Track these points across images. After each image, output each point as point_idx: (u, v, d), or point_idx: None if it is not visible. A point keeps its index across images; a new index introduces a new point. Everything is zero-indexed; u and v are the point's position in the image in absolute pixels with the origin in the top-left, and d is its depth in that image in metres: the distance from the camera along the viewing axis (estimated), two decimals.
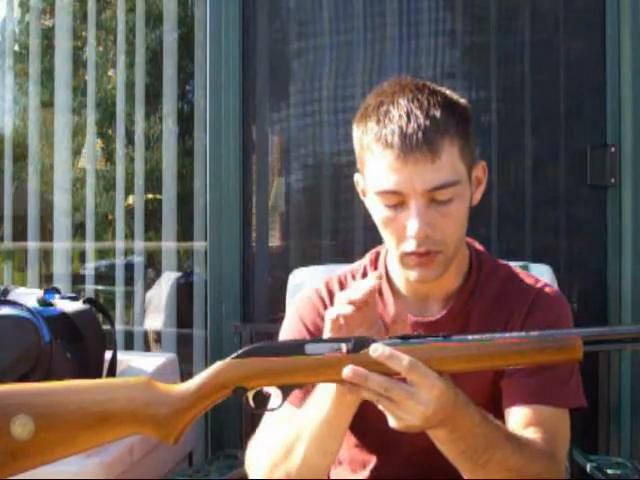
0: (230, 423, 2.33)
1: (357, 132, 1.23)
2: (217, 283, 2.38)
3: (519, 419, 1.17)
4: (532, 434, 1.15)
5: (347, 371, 0.97)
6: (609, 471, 1.77)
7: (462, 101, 1.23)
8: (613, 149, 2.28)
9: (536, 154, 2.35)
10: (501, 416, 1.19)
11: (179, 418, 0.99)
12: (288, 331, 1.33)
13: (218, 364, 1.01)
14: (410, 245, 1.17)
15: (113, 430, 0.99)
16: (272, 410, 1.07)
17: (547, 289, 1.31)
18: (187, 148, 3.04)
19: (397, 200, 1.16)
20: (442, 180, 1.14)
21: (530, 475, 1.08)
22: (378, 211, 1.21)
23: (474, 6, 2.39)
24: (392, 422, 1.00)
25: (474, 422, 1.03)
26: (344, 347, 1.00)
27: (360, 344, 1.00)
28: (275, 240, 2.52)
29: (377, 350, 0.98)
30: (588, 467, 1.80)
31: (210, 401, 1.01)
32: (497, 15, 2.38)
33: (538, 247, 2.32)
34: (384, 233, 1.22)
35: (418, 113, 1.15)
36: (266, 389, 1.07)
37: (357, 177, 1.29)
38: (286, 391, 1.03)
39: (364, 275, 1.33)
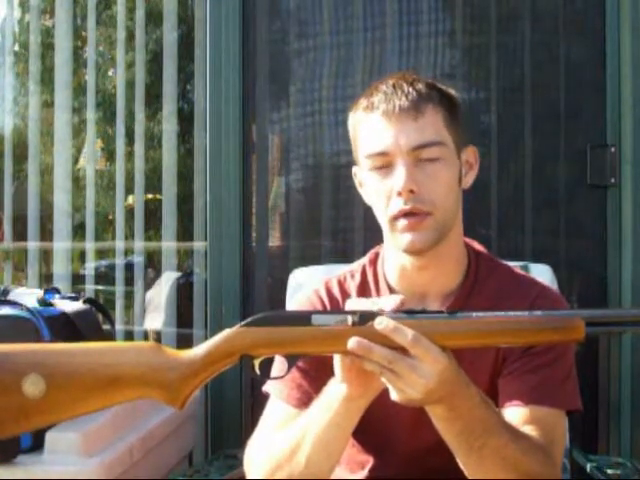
0: (230, 423, 2.33)
1: (350, 116, 1.29)
2: (217, 283, 2.38)
3: (515, 418, 1.17)
4: (528, 432, 1.15)
5: (352, 342, 0.99)
6: (609, 471, 1.77)
7: (450, 90, 1.28)
8: (613, 149, 2.27)
9: (536, 154, 2.35)
10: None
11: (186, 383, 1.01)
12: None
13: (226, 331, 1.03)
14: (397, 203, 1.19)
15: (121, 392, 1.01)
16: (276, 379, 1.09)
17: (547, 290, 1.31)
18: (187, 148, 3.04)
19: (385, 162, 1.20)
20: (426, 138, 1.19)
21: (525, 469, 1.08)
22: (369, 180, 1.24)
23: (474, 6, 2.39)
24: (394, 395, 1.01)
25: (473, 403, 1.04)
26: (350, 319, 1.02)
27: (366, 317, 1.01)
28: (275, 240, 2.52)
29: (382, 323, 0.99)
30: (588, 467, 1.79)
31: (217, 367, 1.03)
32: (497, 15, 2.37)
33: (538, 247, 2.32)
34: (375, 202, 1.25)
35: (404, 85, 1.22)
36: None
37: (354, 169, 1.32)
38: (292, 361, 1.05)
39: (363, 275, 1.34)
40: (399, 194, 1.18)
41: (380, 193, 1.21)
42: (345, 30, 2.42)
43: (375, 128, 1.21)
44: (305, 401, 1.23)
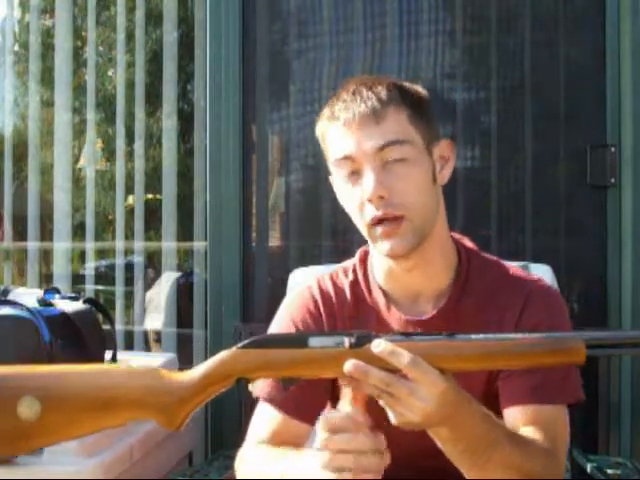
0: (230, 423, 2.33)
1: (317, 125, 1.28)
2: (217, 283, 2.38)
3: (517, 419, 1.17)
4: (531, 433, 1.15)
5: (349, 365, 0.98)
6: (609, 471, 1.77)
7: (415, 87, 1.26)
8: (613, 149, 2.27)
9: (536, 154, 2.35)
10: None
11: (183, 405, 1.01)
12: (277, 328, 1.34)
13: (223, 354, 1.02)
14: (369, 211, 1.18)
15: (118, 415, 1.00)
16: (273, 401, 1.11)
17: (541, 284, 1.30)
18: (187, 148, 3.04)
19: (353, 168, 1.20)
20: (389, 138, 1.18)
21: (529, 473, 1.07)
22: (340, 188, 1.24)
23: (474, 6, 2.39)
24: (393, 418, 1.00)
25: (475, 421, 1.03)
26: (347, 342, 1.00)
27: (363, 339, 1.00)
28: (275, 240, 2.52)
29: (379, 346, 0.98)
30: (588, 467, 1.79)
31: (213, 390, 1.02)
32: (497, 15, 2.37)
33: (538, 247, 2.32)
34: (350, 210, 1.24)
35: (363, 90, 1.21)
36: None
37: (331, 178, 1.31)
38: (288, 383, 1.04)
39: (354, 273, 1.34)
40: (370, 201, 1.17)
41: (352, 201, 1.21)
42: (345, 30, 2.42)
43: (339, 137, 1.21)
44: (289, 404, 1.23)
